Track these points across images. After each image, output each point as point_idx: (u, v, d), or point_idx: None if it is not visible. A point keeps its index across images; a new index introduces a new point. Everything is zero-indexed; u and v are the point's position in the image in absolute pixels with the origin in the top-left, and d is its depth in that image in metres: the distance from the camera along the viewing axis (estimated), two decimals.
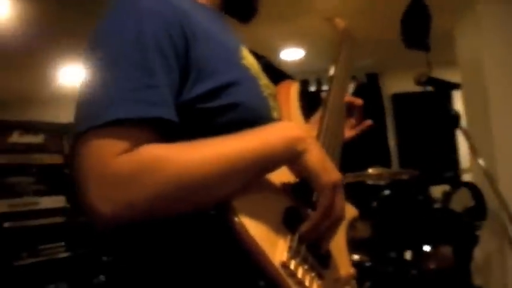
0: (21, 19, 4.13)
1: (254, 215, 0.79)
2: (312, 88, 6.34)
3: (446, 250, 3.23)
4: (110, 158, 0.76)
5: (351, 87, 1.55)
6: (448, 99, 2.63)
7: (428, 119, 5.65)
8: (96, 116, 0.78)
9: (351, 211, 1.15)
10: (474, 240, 3.02)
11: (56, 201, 3.47)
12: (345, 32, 1.51)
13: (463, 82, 3.58)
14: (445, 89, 2.33)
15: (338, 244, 0.98)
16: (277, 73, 1.24)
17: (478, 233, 3.09)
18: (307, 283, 0.82)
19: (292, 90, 1.21)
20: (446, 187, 3.44)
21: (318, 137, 1.09)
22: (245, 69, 0.99)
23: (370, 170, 3.31)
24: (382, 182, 3.35)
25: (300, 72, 5.94)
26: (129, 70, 0.81)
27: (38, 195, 3.42)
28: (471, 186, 2.99)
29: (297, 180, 0.91)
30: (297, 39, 5.42)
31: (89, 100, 0.82)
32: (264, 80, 1.06)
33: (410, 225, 3.23)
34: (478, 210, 2.88)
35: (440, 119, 2.51)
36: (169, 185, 0.76)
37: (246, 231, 0.77)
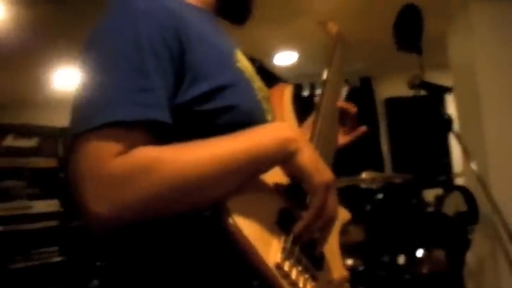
0: (16, 22, 4.12)
1: (248, 216, 0.80)
2: (306, 92, 6.35)
3: (439, 254, 3.24)
4: (106, 160, 0.77)
5: (344, 91, 1.56)
6: (441, 103, 2.64)
7: (421, 123, 5.68)
8: (92, 119, 0.79)
9: (343, 214, 1.16)
10: (467, 244, 3.04)
11: (50, 205, 3.46)
12: (338, 36, 1.52)
13: (455, 86, 3.60)
14: (438, 92, 2.35)
15: (331, 246, 0.99)
16: (270, 76, 1.24)
17: (470, 236, 3.10)
18: (301, 284, 0.82)
19: (286, 93, 1.21)
20: (439, 191, 3.46)
21: (310, 140, 1.10)
22: (239, 72, 1.00)
23: (363, 174, 3.33)
24: (375, 186, 3.36)
25: (293, 76, 5.95)
26: (124, 72, 0.82)
27: (31, 199, 3.40)
28: (463, 190, 3.00)
29: (290, 181, 0.91)
30: (290, 42, 5.43)
31: (85, 102, 0.82)
32: (258, 83, 1.06)
33: (403, 229, 3.24)
34: (471, 214, 2.90)
35: (433, 123, 2.52)
36: (163, 186, 0.77)
37: (240, 231, 0.77)
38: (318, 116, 1.20)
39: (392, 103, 6.54)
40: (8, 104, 6.01)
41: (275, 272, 0.79)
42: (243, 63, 1.04)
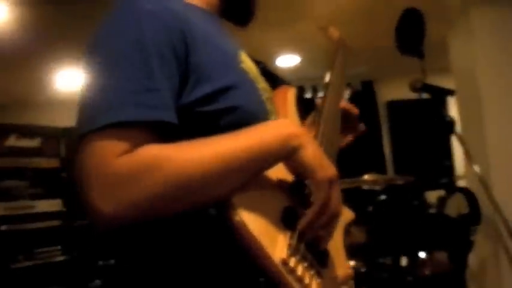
0: (19, 23, 4.13)
1: (253, 212, 0.81)
2: (308, 95, 6.36)
3: (442, 256, 3.24)
4: (112, 158, 0.78)
5: (346, 94, 1.57)
6: (443, 106, 2.65)
7: (423, 126, 5.68)
8: (98, 118, 0.80)
9: (347, 214, 1.17)
10: (469, 246, 3.04)
11: (52, 205, 3.48)
12: (340, 41, 1.53)
13: (457, 89, 3.60)
14: (440, 95, 2.36)
15: (336, 244, 1.00)
16: (274, 78, 1.25)
17: (472, 238, 3.10)
18: (306, 280, 0.83)
19: (289, 95, 1.22)
20: (441, 192, 3.46)
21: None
22: (244, 73, 1.00)
23: (365, 177, 3.33)
24: (377, 187, 3.36)
25: (295, 79, 5.95)
26: (130, 73, 0.82)
27: (34, 199, 3.42)
28: (466, 192, 3.01)
29: (294, 179, 0.92)
30: (293, 45, 5.43)
31: (91, 102, 0.83)
32: (262, 84, 1.07)
33: (405, 230, 3.24)
34: (473, 215, 2.90)
35: (435, 126, 2.52)
36: (168, 184, 0.78)
37: (246, 227, 0.78)
38: (321, 118, 1.21)
39: (394, 106, 6.54)
40: (10, 105, 6.02)
41: (281, 267, 0.79)
42: (247, 64, 1.05)
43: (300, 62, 5.86)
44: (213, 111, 0.89)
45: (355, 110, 1.38)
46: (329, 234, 0.92)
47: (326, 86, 1.35)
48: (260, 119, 0.95)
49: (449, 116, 2.33)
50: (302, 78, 6.20)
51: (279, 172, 0.90)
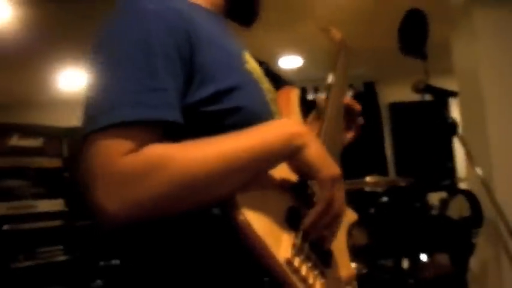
0: (22, 23, 4.14)
1: (257, 212, 0.81)
2: (310, 96, 6.36)
3: (443, 258, 3.24)
4: (117, 157, 0.78)
5: (348, 95, 1.57)
6: (445, 108, 2.65)
7: (425, 128, 5.68)
8: (101, 118, 0.80)
9: (350, 215, 1.17)
10: (471, 248, 3.04)
11: (55, 205, 3.48)
12: (342, 42, 1.53)
13: (459, 90, 3.60)
14: (443, 96, 2.35)
15: (339, 244, 1.00)
16: (277, 79, 1.25)
17: (474, 240, 3.10)
18: (310, 280, 0.84)
19: (293, 95, 1.22)
20: (443, 194, 3.46)
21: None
22: (248, 74, 1.00)
23: (367, 178, 3.33)
24: (379, 189, 3.36)
25: (297, 81, 5.96)
26: (135, 73, 0.83)
27: (36, 199, 3.42)
28: (468, 194, 3.01)
29: (298, 179, 0.92)
30: (295, 46, 5.44)
31: (95, 102, 0.83)
32: (266, 85, 1.07)
33: (407, 232, 3.24)
34: (475, 218, 2.90)
35: (437, 128, 2.52)
36: (172, 184, 0.78)
37: (250, 226, 0.78)
38: (324, 118, 1.21)
39: (396, 108, 6.55)
40: (13, 104, 6.04)
41: (285, 267, 0.80)
42: (252, 64, 1.05)
43: (302, 63, 5.86)
44: (217, 111, 0.89)
45: (357, 106, 1.39)
46: (333, 234, 0.92)
47: (329, 87, 1.35)
48: (264, 120, 0.95)
49: (452, 118, 2.33)
50: (304, 79, 6.21)
51: (282, 172, 0.90)
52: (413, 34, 2.85)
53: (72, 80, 5.66)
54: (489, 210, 2.88)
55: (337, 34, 1.56)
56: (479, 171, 2.41)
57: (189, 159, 0.80)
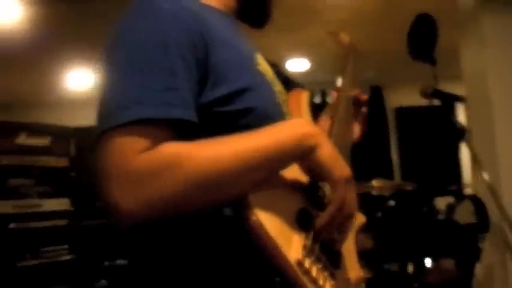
0: (32, 23, 4.16)
1: (269, 212, 0.81)
2: (317, 99, 6.36)
3: (449, 263, 3.23)
4: (132, 156, 0.78)
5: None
6: (452, 113, 2.64)
7: (432, 133, 5.67)
8: (119, 115, 0.80)
9: (359, 218, 1.17)
10: (477, 254, 3.03)
11: (60, 204, 3.49)
12: (350, 45, 1.53)
13: (467, 96, 3.60)
14: (451, 101, 2.34)
15: (349, 246, 1.00)
16: (287, 81, 1.25)
17: (480, 245, 3.09)
18: (321, 282, 0.84)
19: (303, 98, 1.22)
20: (450, 199, 3.46)
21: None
22: (260, 75, 1.01)
23: (373, 182, 3.33)
24: (386, 193, 3.36)
25: (304, 84, 5.93)
26: (151, 71, 0.83)
27: (42, 198, 3.44)
28: (474, 199, 3.00)
29: (309, 180, 0.93)
30: (302, 49, 5.45)
31: (110, 100, 0.83)
32: (278, 87, 1.07)
33: (413, 236, 3.24)
34: (481, 223, 2.89)
35: (444, 133, 2.51)
36: (188, 182, 0.78)
37: (263, 227, 0.78)
38: (333, 121, 1.22)
39: (403, 112, 6.54)
40: (21, 103, 6.07)
41: (296, 268, 0.80)
42: (264, 66, 1.05)
43: (309, 67, 5.87)
44: (229, 112, 0.90)
45: (363, 96, 1.39)
46: (344, 235, 0.92)
47: (338, 91, 1.36)
48: (276, 121, 0.95)
49: (460, 123, 2.32)
50: (311, 82, 6.20)
51: (293, 173, 0.90)
52: (423, 39, 2.85)
53: (81, 80, 5.69)
54: (495, 215, 2.87)
55: (345, 38, 1.56)
56: (486, 176, 2.41)
57: (204, 157, 0.80)
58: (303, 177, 0.92)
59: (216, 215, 0.85)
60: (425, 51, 2.81)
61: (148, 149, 0.79)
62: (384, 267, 3.38)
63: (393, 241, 3.25)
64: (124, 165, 0.78)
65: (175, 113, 0.82)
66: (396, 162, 6.57)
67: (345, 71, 1.43)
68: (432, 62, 2.77)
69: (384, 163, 6.41)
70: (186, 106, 0.84)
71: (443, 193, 3.92)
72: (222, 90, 0.89)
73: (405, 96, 6.16)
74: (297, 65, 5.76)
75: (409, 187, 3.38)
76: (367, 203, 3.34)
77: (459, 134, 2.23)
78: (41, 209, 3.39)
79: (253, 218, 0.79)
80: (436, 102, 2.49)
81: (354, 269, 1.00)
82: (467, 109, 3.80)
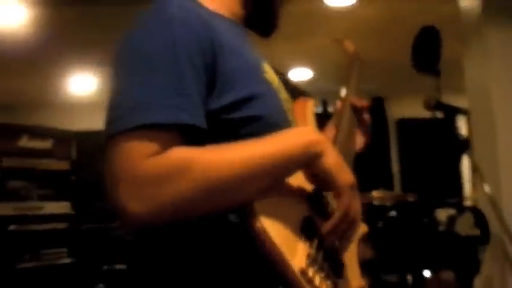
0: (37, 26, 4.17)
1: (274, 219, 0.81)
2: (318, 109, 6.37)
3: (448, 275, 3.23)
4: (140, 160, 0.79)
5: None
6: (455, 125, 2.65)
7: (433, 146, 5.67)
8: (128, 120, 0.81)
9: (361, 227, 1.18)
10: (476, 266, 3.03)
11: (61, 207, 3.50)
12: (355, 55, 1.54)
13: (470, 109, 3.61)
14: (454, 114, 2.36)
15: (351, 256, 1.00)
16: (293, 90, 1.26)
17: (480, 257, 3.09)
18: None
19: (308, 106, 1.23)
20: (451, 211, 3.45)
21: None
22: (267, 84, 1.01)
23: (373, 193, 3.33)
24: (388, 203, 3.36)
25: None
26: (161, 77, 0.84)
27: (43, 200, 3.44)
28: (475, 211, 3.00)
29: (313, 189, 0.93)
30: (305, 59, 5.46)
31: (121, 103, 0.84)
32: (284, 95, 1.08)
33: (413, 247, 3.24)
34: (482, 235, 2.89)
35: (446, 145, 2.52)
36: (196, 188, 0.79)
37: (268, 234, 0.79)
38: (338, 130, 1.23)
39: (404, 123, 6.55)
40: (24, 106, 6.07)
41: (300, 277, 0.80)
42: (270, 75, 1.06)
43: (312, 76, 5.88)
44: (236, 119, 0.90)
45: (362, 103, 1.38)
46: (347, 242, 0.93)
47: (343, 100, 1.36)
48: (282, 129, 0.96)
49: (463, 136, 2.34)
50: (313, 92, 6.19)
51: (298, 181, 0.91)
52: (427, 51, 2.86)
53: (84, 84, 5.70)
54: (496, 228, 2.87)
55: (350, 46, 1.55)
56: (487, 188, 2.41)
57: (212, 163, 0.81)
58: (308, 186, 0.93)
59: (221, 221, 0.86)
60: (429, 64, 2.83)
61: (157, 153, 0.80)
62: (382, 278, 3.37)
63: (393, 252, 3.24)
64: (132, 170, 0.78)
65: (184, 118, 0.82)
66: (396, 173, 6.57)
67: (349, 80, 1.44)
68: (436, 74, 2.78)
69: (384, 174, 6.41)
70: (195, 111, 0.85)
71: (444, 205, 3.92)
72: (229, 98, 0.90)
73: (407, 108, 6.17)
74: (300, 74, 5.77)
75: (410, 198, 3.38)
76: (368, 212, 3.33)
77: (462, 146, 2.24)
78: (42, 212, 3.40)
79: (258, 225, 0.79)
80: (439, 114, 2.49)
81: (355, 279, 1.00)
82: (470, 121, 3.81)
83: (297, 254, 0.82)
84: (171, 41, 0.86)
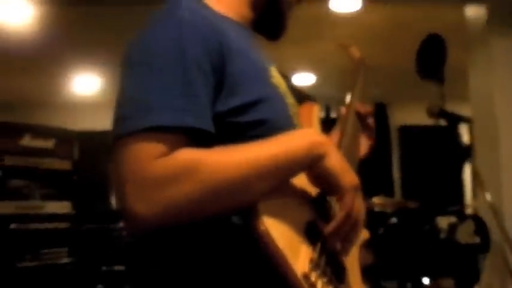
0: (42, 24, 4.18)
1: (278, 223, 0.82)
2: (321, 114, 6.36)
3: (448, 283, 3.22)
4: (148, 161, 0.79)
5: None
6: (457, 133, 2.65)
7: (435, 153, 5.68)
8: (136, 121, 0.81)
9: (363, 232, 1.18)
10: (476, 274, 3.02)
11: (62, 207, 3.49)
12: (361, 60, 1.54)
13: (473, 116, 3.61)
14: (456, 122, 2.36)
15: (352, 261, 1.01)
16: (298, 94, 1.26)
17: (480, 265, 3.09)
18: None
19: (314, 111, 1.24)
20: (452, 218, 3.45)
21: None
22: (274, 88, 1.02)
23: (374, 199, 3.33)
24: (388, 210, 3.36)
25: None
26: (170, 79, 0.84)
27: (44, 200, 3.44)
28: (476, 219, 3.00)
29: (317, 192, 0.93)
30: (308, 64, 5.46)
31: (129, 105, 0.85)
32: (290, 99, 1.08)
33: (414, 255, 3.23)
34: (482, 243, 2.89)
35: (449, 153, 2.52)
36: (204, 189, 0.79)
37: (271, 236, 0.79)
38: (342, 135, 1.23)
39: (406, 130, 6.55)
40: (27, 105, 6.07)
41: (302, 281, 0.80)
42: (277, 79, 1.06)
43: (315, 81, 5.88)
44: (242, 122, 0.91)
45: (365, 108, 1.38)
46: (349, 245, 0.93)
47: (349, 105, 1.36)
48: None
49: (465, 144, 2.34)
50: (317, 97, 6.20)
51: (302, 184, 0.91)
52: (432, 58, 2.86)
53: (87, 84, 5.71)
54: (497, 236, 2.87)
55: (356, 51, 1.56)
56: (488, 196, 2.41)
57: (220, 164, 0.81)
58: (311, 189, 0.93)
59: (225, 223, 0.86)
60: (434, 71, 2.83)
61: (164, 155, 0.80)
62: (382, 284, 3.37)
63: (393, 258, 3.24)
64: (140, 171, 0.79)
65: (189, 121, 0.83)
66: (397, 180, 6.56)
67: (354, 86, 1.44)
68: (441, 81, 2.78)
69: (385, 181, 6.41)
70: (202, 114, 0.85)
71: (445, 213, 3.91)
72: (236, 101, 0.90)
73: (409, 115, 6.16)
74: (303, 79, 5.77)
75: (411, 205, 3.38)
76: (369, 219, 3.33)
77: (464, 154, 2.24)
78: (43, 211, 3.39)
79: (262, 227, 0.79)
80: (442, 122, 2.50)
81: (357, 284, 1.01)
82: (473, 129, 3.81)
83: (299, 257, 0.82)
84: (180, 43, 0.86)
